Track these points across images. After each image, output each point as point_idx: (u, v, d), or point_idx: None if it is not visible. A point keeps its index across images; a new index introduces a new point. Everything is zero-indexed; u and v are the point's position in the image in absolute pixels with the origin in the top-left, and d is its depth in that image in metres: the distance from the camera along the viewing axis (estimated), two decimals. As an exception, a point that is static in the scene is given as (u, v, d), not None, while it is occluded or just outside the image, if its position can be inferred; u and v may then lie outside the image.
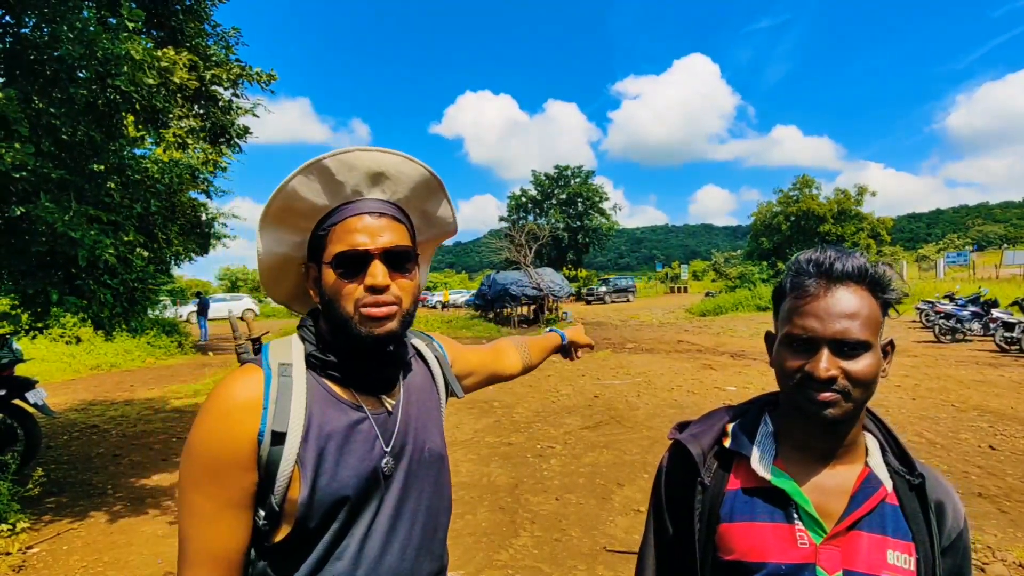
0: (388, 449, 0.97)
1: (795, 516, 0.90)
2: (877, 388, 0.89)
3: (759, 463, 0.93)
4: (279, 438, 0.87)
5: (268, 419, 0.87)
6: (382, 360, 0.99)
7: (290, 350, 0.97)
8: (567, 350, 1.72)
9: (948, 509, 0.91)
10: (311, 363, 0.96)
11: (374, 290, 0.91)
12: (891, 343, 0.93)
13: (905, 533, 0.87)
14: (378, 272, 0.91)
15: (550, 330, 1.71)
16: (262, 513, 0.89)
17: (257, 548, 0.91)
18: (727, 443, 0.98)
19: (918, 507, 0.89)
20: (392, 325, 0.93)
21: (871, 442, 0.96)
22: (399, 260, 0.95)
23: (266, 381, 0.90)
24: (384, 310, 0.92)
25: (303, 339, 0.99)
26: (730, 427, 1.00)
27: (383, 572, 0.93)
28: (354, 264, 0.92)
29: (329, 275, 0.93)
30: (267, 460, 0.87)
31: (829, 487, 0.90)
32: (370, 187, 0.98)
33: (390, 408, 1.00)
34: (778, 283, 0.96)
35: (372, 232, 0.93)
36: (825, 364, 0.84)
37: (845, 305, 0.86)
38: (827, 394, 0.85)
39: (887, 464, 0.93)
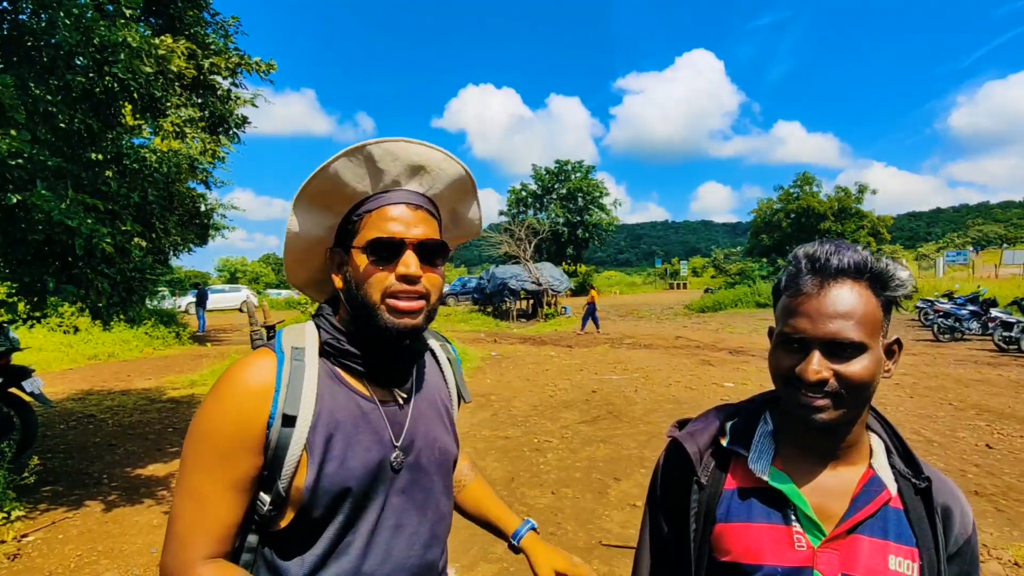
0: (398, 443, 0.96)
1: (793, 518, 0.87)
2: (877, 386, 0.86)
3: (756, 463, 0.90)
4: (290, 421, 0.87)
5: (279, 401, 0.87)
6: (398, 353, 0.98)
7: (303, 335, 0.97)
8: (516, 548, 1.20)
9: (955, 514, 0.87)
10: (326, 350, 0.96)
11: (407, 279, 0.91)
12: (897, 342, 0.88)
13: (908, 538, 0.84)
14: (411, 262, 0.91)
15: (528, 523, 1.22)
16: (267, 499, 0.88)
17: (262, 535, 0.91)
18: (724, 442, 0.95)
19: (923, 511, 0.86)
20: (418, 320, 0.93)
21: (876, 443, 0.92)
22: (431, 253, 0.95)
23: (279, 364, 0.91)
24: (414, 304, 0.92)
25: (319, 327, 0.99)
26: (728, 425, 0.98)
27: (391, 565, 0.93)
28: (387, 251, 0.92)
29: (361, 260, 0.93)
30: (276, 443, 0.87)
31: (830, 488, 0.87)
32: (408, 178, 0.98)
33: (401, 401, 1.00)
34: (777, 279, 0.92)
35: (408, 222, 0.94)
36: (815, 366, 0.81)
37: (839, 304, 0.81)
38: (818, 399, 0.81)
39: (892, 466, 0.89)
